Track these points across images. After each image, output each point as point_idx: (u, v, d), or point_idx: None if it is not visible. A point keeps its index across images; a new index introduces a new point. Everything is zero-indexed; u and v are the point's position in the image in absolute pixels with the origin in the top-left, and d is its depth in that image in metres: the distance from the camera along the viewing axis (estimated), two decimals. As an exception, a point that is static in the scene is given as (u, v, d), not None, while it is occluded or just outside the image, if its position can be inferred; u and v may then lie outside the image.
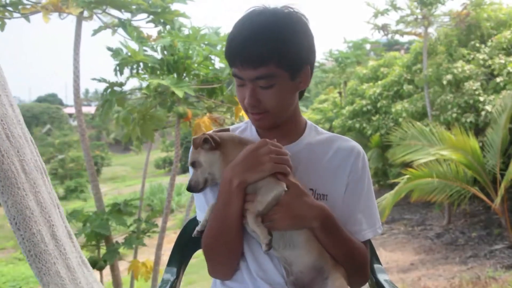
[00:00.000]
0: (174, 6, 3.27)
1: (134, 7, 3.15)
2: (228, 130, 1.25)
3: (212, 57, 3.24)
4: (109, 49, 3.08)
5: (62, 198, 22.21)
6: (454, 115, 7.48)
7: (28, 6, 3.06)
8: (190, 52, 3.02)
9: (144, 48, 3.11)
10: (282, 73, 1.08)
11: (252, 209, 1.04)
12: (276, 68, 1.07)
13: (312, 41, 1.15)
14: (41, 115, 50.97)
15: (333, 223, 1.12)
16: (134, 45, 3.10)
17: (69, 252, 1.48)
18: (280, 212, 1.04)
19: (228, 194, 1.07)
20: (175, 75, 3.09)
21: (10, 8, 2.99)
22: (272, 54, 1.05)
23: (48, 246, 1.40)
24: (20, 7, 3.04)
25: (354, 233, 1.19)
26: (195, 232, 1.19)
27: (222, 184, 1.09)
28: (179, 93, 2.71)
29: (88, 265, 1.60)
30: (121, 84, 3.14)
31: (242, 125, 1.32)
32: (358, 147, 1.24)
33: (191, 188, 1.13)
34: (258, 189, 1.06)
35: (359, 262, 1.17)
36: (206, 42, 2.97)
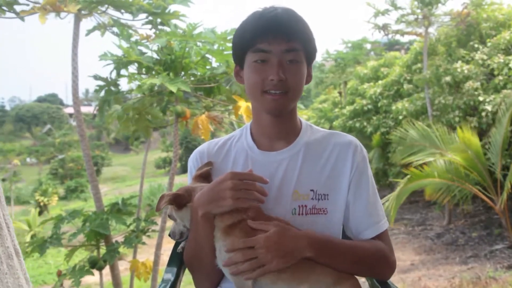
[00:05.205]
0: (174, 7, 3.27)
1: (134, 7, 3.14)
2: (211, 164, 1.22)
3: (209, 56, 3.22)
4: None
5: (62, 198, 22.23)
6: (457, 118, 7.44)
7: (27, 8, 3.04)
8: (187, 50, 3.01)
9: (140, 47, 3.10)
10: (303, 56, 1.14)
11: None
12: (302, 47, 1.13)
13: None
14: (42, 115, 51.04)
15: (327, 242, 1.09)
16: (127, 46, 3.08)
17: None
18: (269, 254, 1.01)
19: (196, 221, 1.09)
20: (170, 74, 3.07)
21: (5, 8, 2.97)
22: (302, 33, 1.12)
23: None
24: (20, 9, 3.03)
25: (362, 231, 1.17)
26: (179, 247, 1.23)
27: (192, 211, 1.10)
28: (173, 89, 2.70)
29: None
30: (116, 83, 3.13)
31: (237, 133, 1.30)
32: (355, 141, 1.23)
33: (170, 237, 1.18)
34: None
35: (371, 262, 1.14)
36: (202, 41, 2.95)
